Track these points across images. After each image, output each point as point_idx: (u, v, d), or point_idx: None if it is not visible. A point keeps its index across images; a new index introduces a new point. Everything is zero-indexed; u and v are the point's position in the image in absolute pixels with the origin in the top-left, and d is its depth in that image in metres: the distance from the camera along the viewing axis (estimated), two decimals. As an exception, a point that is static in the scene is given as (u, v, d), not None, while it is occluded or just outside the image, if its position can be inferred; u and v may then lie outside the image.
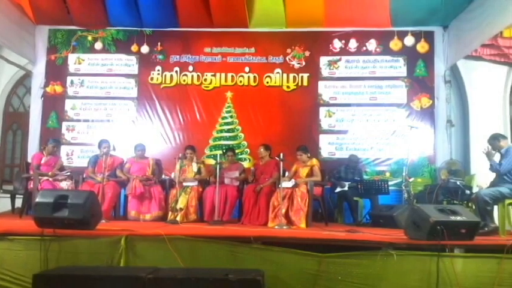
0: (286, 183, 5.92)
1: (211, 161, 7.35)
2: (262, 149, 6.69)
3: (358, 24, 7.70)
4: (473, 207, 5.48)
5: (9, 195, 7.06)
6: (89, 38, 8.19)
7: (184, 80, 8.03)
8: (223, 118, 7.91)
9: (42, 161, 6.73)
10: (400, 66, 7.78)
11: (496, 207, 5.18)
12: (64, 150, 7.93)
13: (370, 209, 6.72)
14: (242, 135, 7.85)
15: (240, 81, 7.95)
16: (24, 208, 6.47)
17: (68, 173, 6.68)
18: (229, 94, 7.94)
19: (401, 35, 7.75)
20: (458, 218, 3.88)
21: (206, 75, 8.00)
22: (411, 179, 6.63)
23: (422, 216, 3.87)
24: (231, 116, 7.90)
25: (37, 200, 4.20)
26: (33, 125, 8.04)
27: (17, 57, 8.10)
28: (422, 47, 7.73)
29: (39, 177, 6.44)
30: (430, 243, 3.72)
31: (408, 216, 4.17)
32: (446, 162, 7.24)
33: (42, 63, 8.18)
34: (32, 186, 6.42)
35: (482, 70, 7.79)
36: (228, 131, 7.88)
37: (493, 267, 3.63)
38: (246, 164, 7.48)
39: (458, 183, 6.09)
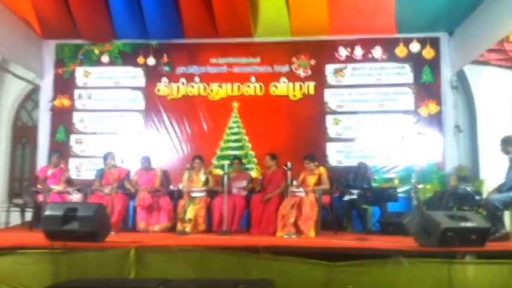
0: (297, 190, 5.93)
1: (219, 171, 7.34)
2: (268, 159, 6.68)
3: (364, 31, 7.70)
4: (484, 213, 5.43)
5: (19, 209, 7.11)
6: (96, 51, 8.26)
7: (190, 91, 8.07)
8: (230, 128, 7.92)
9: (49, 174, 6.77)
10: (406, 73, 7.77)
11: (506, 213, 5.13)
12: (73, 163, 7.99)
13: (380, 216, 6.67)
14: (249, 145, 7.86)
15: (246, 91, 7.97)
16: (34, 221, 6.50)
17: (77, 191, 6.69)
18: (235, 104, 7.96)
19: (407, 42, 7.75)
20: (469, 224, 3.85)
21: (212, 85, 8.03)
22: (420, 186, 6.58)
23: (433, 223, 3.84)
24: (238, 126, 7.91)
25: (47, 213, 4.21)
26: (41, 138, 8.10)
27: (24, 71, 8.20)
28: (428, 53, 7.72)
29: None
30: (441, 250, 3.69)
31: (418, 223, 4.15)
32: (455, 168, 7.19)
33: (50, 77, 8.25)
34: (41, 199, 6.46)
35: (489, 75, 7.77)
36: (235, 141, 7.88)
37: (505, 273, 3.59)
38: (253, 174, 7.47)
39: (467, 189, 6.06)
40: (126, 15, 7.58)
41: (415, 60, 7.74)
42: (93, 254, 3.89)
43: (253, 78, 7.99)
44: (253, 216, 6.27)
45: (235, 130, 7.91)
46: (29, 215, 6.86)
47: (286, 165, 5.79)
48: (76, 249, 3.89)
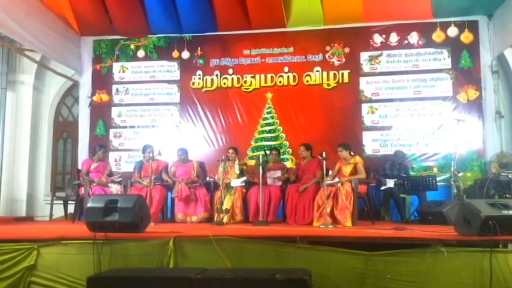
0: (332, 181, 5.91)
1: (254, 162, 7.38)
2: (302, 149, 6.66)
3: (399, 17, 7.54)
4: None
5: (62, 202, 7.36)
6: (132, 46, 8.43)
7: (224, 83, 8.12)
8: (264, 119, 7.94)
9: (92, 167, 6.97)
10: (444, 58, 7.55)
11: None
12: (112, 156, 8.20)
13: (418, 205, 6.55)
14: (283, 135, 7.85)
15: (280, 82, 7.95)
16: (76, 213, 6.72)
17: (120, 179, 6.89)
18: (269, 95, 7.96)
19: (444, 26, 7.53)
20: (511, 212, 3.73)
21: (246, 77, 8.05)
22: (460, 174, 6.41)
23: (473, 212, 3.74)
24: (272, 117, 7.91)
25: (88, 205, 4.34)
26: (82, 133, 8.35)
27: (64, 68, 8.45)
28: (466, 37, 7.48)
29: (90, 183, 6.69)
30: (482, 239, 3.59)
31: (458, 212, 4.05)
32: (496, 155, 6.98)
33: (88, 73, 8.48)
34: (83, 192, 6.66)
35: (531, 58, 7.48)
36: (270, 131, 7.89)
37: (550, 262, 3.47)
38: (288, 164, 7.46)
39: (510, 176, 5.88)
40: (160, 10, 7.69)
41: (453, 45, 7.52)
42: (134, 244, 3.99)
43: (286, 68, 7.95)
44: (288, 207, 6.27)
45: (270, 121, 7.92)
46: (71, 208, 7.09)
47: (321, 155, 5.76)
48: (117, 240, 4.00)
